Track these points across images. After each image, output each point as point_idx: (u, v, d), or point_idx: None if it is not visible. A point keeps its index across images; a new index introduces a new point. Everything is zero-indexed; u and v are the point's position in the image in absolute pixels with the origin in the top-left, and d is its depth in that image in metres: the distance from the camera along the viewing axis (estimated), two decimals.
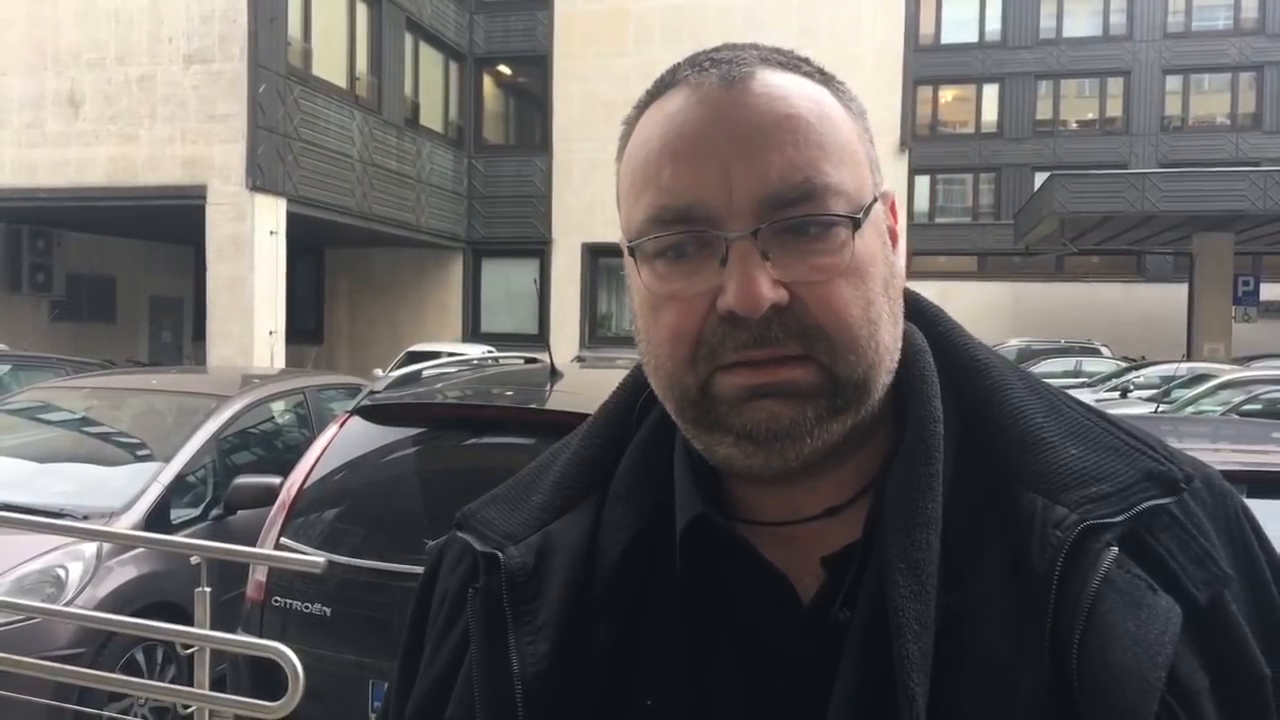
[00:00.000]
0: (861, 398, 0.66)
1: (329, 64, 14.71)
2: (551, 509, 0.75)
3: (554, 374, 3.70)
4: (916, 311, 0.77)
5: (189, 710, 3.28)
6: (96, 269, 17.67)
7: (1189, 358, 18.52)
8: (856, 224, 0.66)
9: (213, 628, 3.28)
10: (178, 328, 19.55)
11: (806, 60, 0.72)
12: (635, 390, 0.81)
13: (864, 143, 0.70)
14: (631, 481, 0.75)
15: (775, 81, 0.68)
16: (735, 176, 0.64)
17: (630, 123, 0.74)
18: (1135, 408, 12.86)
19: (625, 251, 0.70)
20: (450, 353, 11.20)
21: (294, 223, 13.52)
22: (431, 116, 17.98)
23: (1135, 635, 0.60)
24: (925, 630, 0.62)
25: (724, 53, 0.70)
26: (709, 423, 0.67)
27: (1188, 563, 0.65)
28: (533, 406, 3.50)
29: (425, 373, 3.99)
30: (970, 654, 0.62)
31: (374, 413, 3.39)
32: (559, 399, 3.54)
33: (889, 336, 0.68)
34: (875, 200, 0.68)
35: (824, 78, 0.71)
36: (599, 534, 0.73)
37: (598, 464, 0.77)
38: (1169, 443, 0.71)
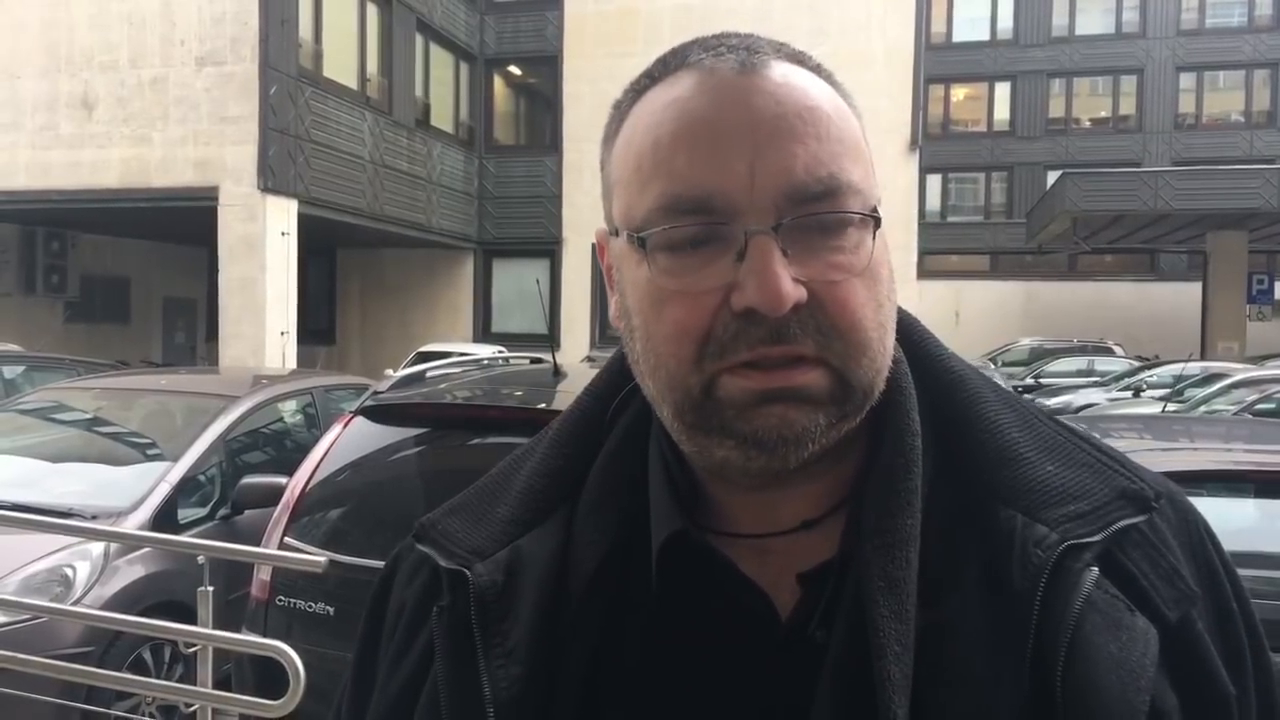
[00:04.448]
0: (864, 404, 0.65)
1: (340, 65, 14.77)
2: (520, 522, 0.71)
3: (557, 374, 3.71)
4: None
5: (194, 708, 3.29)
6: (110, 270, 17.80)
7: (1203, 356, 18.38)
8: (878, 223, 0.64)
9: (221, 626, 3.29)
10: (191, 328, 19.67)
11: (809, 55, 0.70)
12: (605, 395, 0.78)
13: (867, 143, 0.69)
14: (604, 492, 0.72)
15: (792, 73, 0.66)
16: (757, 167, 0.61)
17: (623, 105, 0.70)
18: (1147, 407, 12.77)
19: (625, 241, 0.66)
20: (460, 353, 11.21)
21: (305, 224, 13.58)
22: (442, 117, 18.04)
23: (1118, 658, 0.60)
24: (906, 651, 0.61)
25: (734, 39, 0.67)
26: (711, 427, 0.63)
27: (1158, 580, 0.65)
28: (538, 406, 3.49)
29: (430, 373, 3.99)
30: (949, 672, 0.62)
31: (377, 413, 3.40)
32: (562, 399, 3.53)
33: (891, 341, 0.66)
34: (878, 201, 0.67)
35: (828, 76, 0.69)
36: (570, 549, 0.70)
37: (567, 474, 0.74)
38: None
